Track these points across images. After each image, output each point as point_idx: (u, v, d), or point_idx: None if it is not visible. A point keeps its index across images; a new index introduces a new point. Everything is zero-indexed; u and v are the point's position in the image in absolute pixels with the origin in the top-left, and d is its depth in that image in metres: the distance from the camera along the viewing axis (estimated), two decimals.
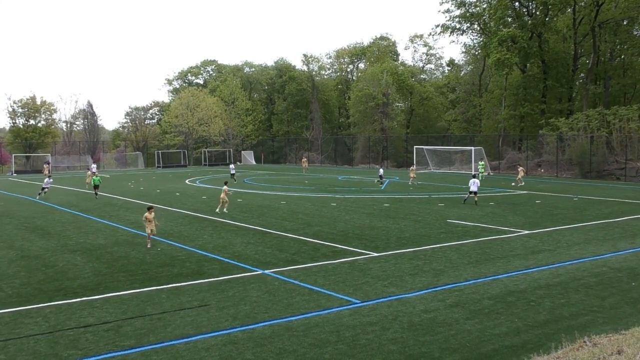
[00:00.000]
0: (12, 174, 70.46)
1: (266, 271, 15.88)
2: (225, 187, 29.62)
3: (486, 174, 53.07)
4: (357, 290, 13.76)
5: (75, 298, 13.42)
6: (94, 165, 50.64)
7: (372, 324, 11.27)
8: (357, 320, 11.52)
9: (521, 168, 46.39)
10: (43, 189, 37.78)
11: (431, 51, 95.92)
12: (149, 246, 19.54)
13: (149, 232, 19.85)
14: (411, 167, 44.87)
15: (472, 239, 20.65)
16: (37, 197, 37.00)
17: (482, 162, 57.73)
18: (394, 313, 11.98)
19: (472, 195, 30.48)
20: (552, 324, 11.26)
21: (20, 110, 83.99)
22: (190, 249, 19.29)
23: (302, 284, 14.47)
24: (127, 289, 14.21)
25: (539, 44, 63.61)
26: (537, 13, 65.12)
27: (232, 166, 54.41)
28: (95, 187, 37.86)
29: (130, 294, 13.82)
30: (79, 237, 21.91)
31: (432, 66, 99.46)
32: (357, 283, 14.50)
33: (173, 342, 10.40)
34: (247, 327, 11.18)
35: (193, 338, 10.61)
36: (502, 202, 31.99)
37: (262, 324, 11.36)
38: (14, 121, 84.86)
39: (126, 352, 9.99)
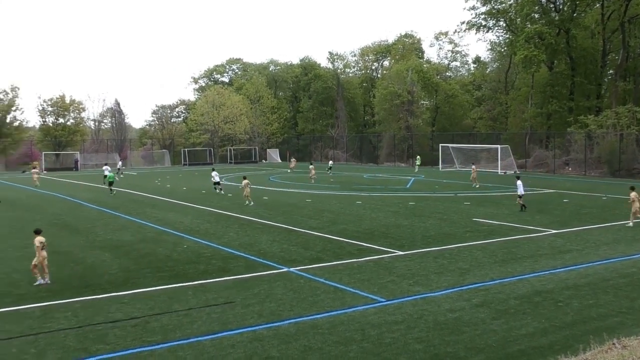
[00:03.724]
0: (42, 171, 71.55)
1: (291, 269, 15.93)
2: (245, 181, 30.71)
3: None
4: (383, 289, 13.73)
5: (103, 294, 13.62)
6: (106, 166, 51.86)
7: (397, 323, 11.25)
8: (382, 319, 11.50)
9: (474, 167, 44.55)
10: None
11: (457, 48, 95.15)
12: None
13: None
14: (473, 166, 44.54)
15: (498, 238, 20.46)
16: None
17: (419, 157, 57.84)
18: (419, 312, 11.93)
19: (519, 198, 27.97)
20: (580, 325, 11.11)
21: (50, 109, 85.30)
22: (216, 246, 19.43)
23: (327, 281, 14.49)
24: (154, 285, 14.37)
25: (567, 40, 62.65)
26: (565, 9, 64.11)
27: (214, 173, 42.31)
28: (110, 183, 38.76)
29: (157, 290, 13.98)
30: (106, 234, 22.21)
31: (458, 64, 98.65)
32: (383, 281, 14.47)
33: (199, 339, 10.50)
34: (272, 325, 11.23)
35: (219, 334, 10.69)
36: (529, 201, 31.62)
37: (287, 322, 11.40)
38: (44, 120, 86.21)
39: (153, 347, 10.11)
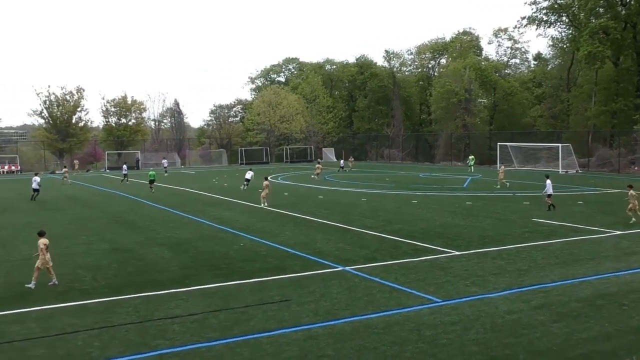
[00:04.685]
0: (105, 170, 73.86)
1: (347, 268, 15.95)
2: (266, 182, 30.87)
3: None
4: (438, 289, 13.59)
5: (163, 290, 13.95)
6: (124, 166, 53.78)
7: (454, 324, 11.11)
8: (438, 320, 11.39)
9: (502, 167, 43.69)
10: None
11: (516, 45, 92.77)
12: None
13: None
14: (501, 167, 43.86)
15: (558, 239, 19.94)
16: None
17: (472, 157, 56.11)
18: (476, 313, 11.75)
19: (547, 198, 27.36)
20: None
21: (112, 109, 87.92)
22: (272, 244, 19.62)
23: (382, 281, 14.44)
24: (212, 283, 14.62)
25: (634, 35, 60.40)
26: (633, 2, 61.85)
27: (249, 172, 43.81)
28: (151, 181, 39.85)
29: (214, 287, 14.22)
30: (166, 232, 22.73)
31: (517, 60, 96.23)
32: (438, 282, 14.32)
33: (256, 336, 10.63)
34: (327, 323, 11.27)
35: (275, 332, 10.80)
36: (591, 201, 30.73)
37: (342, 320, 11.42)
38: (106, 120, 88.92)
39: (211, 343, 10.30)
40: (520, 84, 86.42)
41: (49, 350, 10.09)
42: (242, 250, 18.72)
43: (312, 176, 50.91)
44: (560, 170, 54.69)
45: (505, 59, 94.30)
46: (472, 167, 61.03)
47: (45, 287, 14.36)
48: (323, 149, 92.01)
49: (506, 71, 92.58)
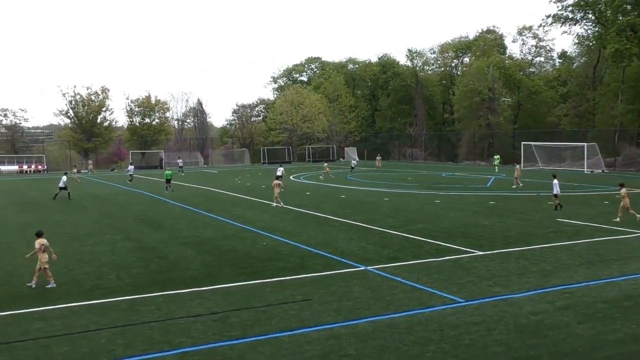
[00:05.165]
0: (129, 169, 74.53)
1: (368, 267, 15.89)
2: (276, 181, 30.61)
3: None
4: (461, 289, 13.47)
5: (186, 288, 14.02)
6: (131, 167, 54.39)
7: (477, 324, 11.00)
8: (461, 320, 11.28)
9: (518, 167, 43.20)
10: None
11: (541, 43, 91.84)
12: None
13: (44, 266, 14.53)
14: (517, 166, 43.49)
15: (584, 239, 19.65)
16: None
17: (497, 157, 55.20)
18: (499, 313, 11.63)
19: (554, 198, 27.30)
20: None
21: (136, 109, 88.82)
22: (294, 243, 19.63)
23: (404, 281, 14.36)
24: (234, 282, 14.66)
25: None
26: None
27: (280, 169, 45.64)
28: (167, 181, 40.11)
29: (236, 286, 14.26)
30: (189, 231, 22.87)
31: (542, 59, 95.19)
32: (461, 282, 14.20)
33: (277, 335, 10.63)
34: (349, 323, 11.23)
35: (296, 331, 10.79)
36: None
37: (364, 320, 11.37)
38: (131, 119, 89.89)
39: (233, 342, 10.32)
40: (544, 82, 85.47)
41: (73, 347, 10.20)
42: (264, 250, 18.75)
43: (320, 177, 51.25)
44: (585, 169, 54.00)
45: (530, 57, 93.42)
46: (498, 166, 60.50)
47: (70, 285, 14.53)
48: (345, 148, 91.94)
49: (530, 70, 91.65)
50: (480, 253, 17.58)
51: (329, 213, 26.89)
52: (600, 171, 53.40)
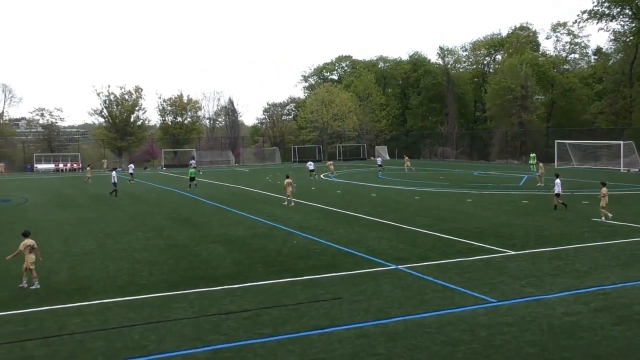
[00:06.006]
0: (162, 168, 75.54)
1: (399, 266, 15.84)
2: (288, 180, 30.30)
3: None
4: (493, 289, 13.34)
5: (217, 286, 14.15)
6: (131, 166, 55.20)
7: (509, 325, 10.89)
8: (493, 320, 11.18)
9: (542, 164, 42.42)
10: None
11: (576, 40, 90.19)
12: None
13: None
14: (540, 164, 42.91)
15: (620, 239, 19.27)
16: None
17: (533, 155, 54.11)
18: (532, 314, 11.48)
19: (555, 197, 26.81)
20: None
21: (169, 108, 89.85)
22: (325, 242, 19.65)
23: (435, 280, 14.28)
24: (265, 279, 14.76)
25: None
26: None
27: (310, 163, 54.66)
28: (191, 179, 41.07)
29: (267, 284, 14.35)
30: (220, 229, 23.07)
31: (577, 56, 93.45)
32: (493, 282, 14.06)
33: (307, 333, 10.67)
34: (379, 322, 11.22)
35: (327, 330, 10.82)
36: None
37: (394, 319, 11.34)
38: (163, 118, 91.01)
39: (264, 339, 10.40)
40: (579, 79, 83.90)
41: (107, 342, 10.38)
42: (295, 248, 18.82)
43: (322, 176, 51.42)
44: (622, 168, 52.97)
45: (564, 54, 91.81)
46: (534, 165, 59.68)
47: (105, 282, 14.79)
48: (376, 147, 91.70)
49: (565, 67, 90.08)
50: (513, 253, 17.38)
51: (359, 212, 26.86)
52: (637, 170, 52.32)
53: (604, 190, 23.66)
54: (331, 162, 58.03)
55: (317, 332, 10.72)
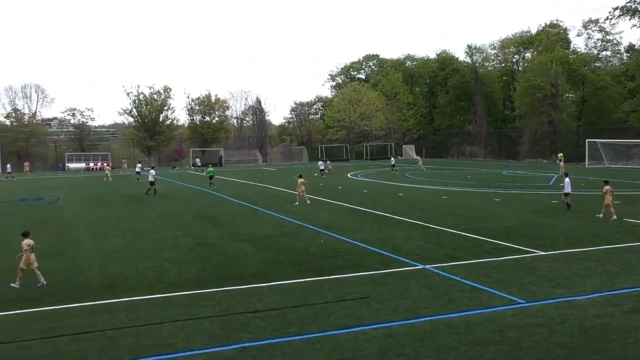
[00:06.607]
0: (190, 167, 76.16)
1: (427, 266, 15.75)
2: (301, 179, 30.63)
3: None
4: (522, 290, 13.18)
5: (245, 284, 14.22)
6: (139, 165, 55.53)
7: (538, 326, 10.75)
8: (522, 321, 11.05)
9: (562, 164, 42.11)
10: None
11: (607, 37, 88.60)
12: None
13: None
14: (561, 163, 42.52)
15: None
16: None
17: (561, 154, 53.15)
18: (562, 316, 11.32)
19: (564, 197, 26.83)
20: None
21: (197, 107, 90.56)
22: (352, 241, 19.63)
23: (463, 280, 14.16)
24: (292, 278, 14.79)
25: None
26: None
27: (320, 163, 55.66)
28: (210, 177, 42.09)
29: (294, 283, 14.38)
30: (247, 227, 23.18)
31: (608, 53, 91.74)
32: (522, 282, 13.89)
33: (334, 332, 10.67)
34: (407, 322, 11.16)
35: (354, 329, 10.80)
36: None
37: (422, 319, 11.28)
38: (191, 118, 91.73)
39: (291, 338, 10.42)
40: (611, 77, 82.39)
41: (137, 339, 10.50)
42: (322, 247, 18.83)
43: (323, 175, 51.58)
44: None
45: (595, 51, 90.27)
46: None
47: (134, 279, 14.98)
48: (403, 146, 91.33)
49: (596, 64, 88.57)
50: (542, 253, 17.16)
51: (386, 211, 26.76)
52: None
53: (607, 187, 23.65)
54: (329, 162, 58.85)
55: (344, 331, 10.70)
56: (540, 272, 14.92)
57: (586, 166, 59.02)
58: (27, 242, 14.39)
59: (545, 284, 13.68)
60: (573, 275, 14.47)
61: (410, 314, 11.62)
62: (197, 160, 71.62)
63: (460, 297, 12.72)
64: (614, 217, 23.09)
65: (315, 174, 50.97)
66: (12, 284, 14.25)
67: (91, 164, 76.11)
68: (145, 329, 11.10)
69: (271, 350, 9.85)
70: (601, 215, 23.51)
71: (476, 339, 10.14)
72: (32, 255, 14.32)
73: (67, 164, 76.19)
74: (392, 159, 64.08)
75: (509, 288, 13.35)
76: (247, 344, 10.14)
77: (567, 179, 27.11)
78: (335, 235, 20.91)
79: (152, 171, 38.51)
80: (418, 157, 65.84)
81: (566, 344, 9.84)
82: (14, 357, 9.90)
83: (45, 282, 14.37)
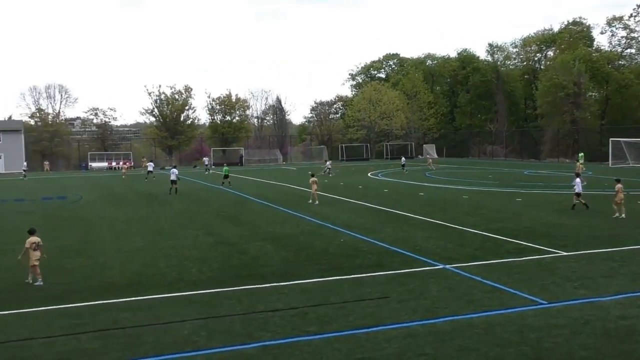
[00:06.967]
0: (211, 166, 76.59)
1: (447, 266, 15.67)
2: (313, 178, 30.72)
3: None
4: (543, 291, 13.06)
5: (265, 283, 14.27)
6: (151, 163, 55.73)
7: (560, 327, 10.65)
8: (543, 322, 10.95)
9: (578, 164, 41.69)
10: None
11: (632, 34, 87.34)
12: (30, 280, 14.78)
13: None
14: (578, 163, 42.20)
15: None
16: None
17: (582, 154, 52.41)
18: (584, 317, 11.20)
19: (575, 196, 26.67)
20: None
21: (217, 107, 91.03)
22: (372, 240, 19.61)
23: (484, 280, 14.07)
24: (312, 277, 14.81)
25: None
26: None
27: (328, 163, 55.94)
28: (225, 176, 42.85)
29: (314, 282, 14.40)
30: (268, 226, 23.26)
31: (633, 51, 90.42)
32: (544, 283, 13.76)
33: (354, 332, 10.67)
34: (427, 322, 11.13)
35: (373, 329, 10.79)
36: None
37: (442, 319, 11.23)
38: (212, 117, 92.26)
39: (310, 337, 10.44)
40: (635, 75, 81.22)
41: (158, 337, 10.59)
42: (342, 246, 18.83)
43: (321, 173, 51.41)
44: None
45: (620, 49, 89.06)
46: (583, 164, 58.13)
47: (155, 278, 15.10)
48: (424, 145, 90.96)
49: (620, 62, 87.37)
50: (564, 253, 16.99)
51: (407, 210, 26.69)
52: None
53: (619, 186, 23.92)
54: (330, 161, 58.52)
55: (363, 330, 10.70)
56: (562, 272, 14.78)
57: (609, 165, 58.31)
58: (31, 239, 14.51)
59: (567, 285, 13.54)
60: (596, 276, 14.32)
61: (430, 314, 11.58)
62: (205, 159, 71.76)
63: (480, 298, 12.65)
64: (623, 215, 23.23)
65: (322, 173, 50.81)
66: (35, 284, 14.42)
67: (113, 163, 76.89)
68: (166, 326, 11.19)
69: (291, 349, 9.88)
70: (623, 216, 23.32)
71: (497, 340, 10.07)
72: (37, 253, 14.42)
73: (89, 163, 77.08)
74: (403, 158, 63.82)
75: (530, 288, 13.24)
76: (267, 343, 10.18)
77: (577, 179, 27.01)
78: (356, 234, 20.89)
79: (175, 170, 38.75)
80: (428, 156, 65.49)
81: (589, 346, 9.74)
82: (39, 353, 10.04)
83: (32, 282, 14.44)
